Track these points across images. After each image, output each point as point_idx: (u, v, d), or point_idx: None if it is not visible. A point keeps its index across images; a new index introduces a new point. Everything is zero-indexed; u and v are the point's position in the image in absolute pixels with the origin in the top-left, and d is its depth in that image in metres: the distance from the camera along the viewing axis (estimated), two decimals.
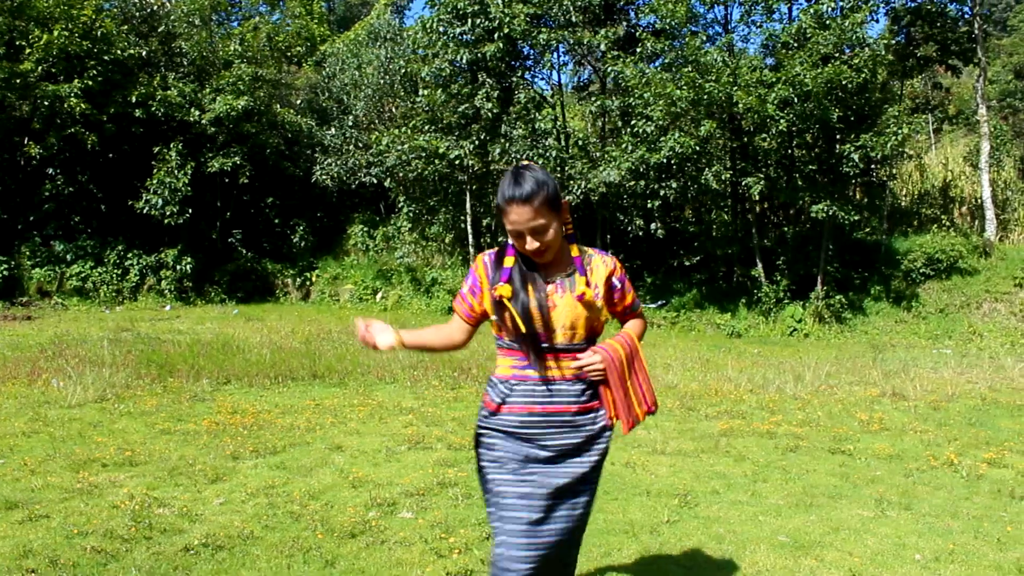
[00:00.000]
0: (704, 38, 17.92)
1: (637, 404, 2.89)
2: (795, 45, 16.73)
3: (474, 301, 2.95)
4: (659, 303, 19.20)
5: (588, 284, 2.84)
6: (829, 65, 15.93)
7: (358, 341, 2.90)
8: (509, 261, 2.87)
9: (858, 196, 19.48)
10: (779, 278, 18.00)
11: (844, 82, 15.81)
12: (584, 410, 2.85)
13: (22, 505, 5.26)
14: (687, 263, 20.05)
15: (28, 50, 20.62)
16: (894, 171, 20.10)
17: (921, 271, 18.07)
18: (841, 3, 16.49)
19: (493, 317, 2.90)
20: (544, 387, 2.83)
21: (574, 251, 2.90)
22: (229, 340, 14.08)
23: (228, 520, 5.00)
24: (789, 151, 18.27)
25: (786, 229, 19.98)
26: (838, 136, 17.36)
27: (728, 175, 17.81)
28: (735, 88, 16.46)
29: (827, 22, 16.34)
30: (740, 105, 16.30)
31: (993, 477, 6.07)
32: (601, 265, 2.92)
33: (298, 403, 8.97)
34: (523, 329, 2.79)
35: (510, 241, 2.86)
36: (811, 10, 16.59)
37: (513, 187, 2.73)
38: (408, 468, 6.24)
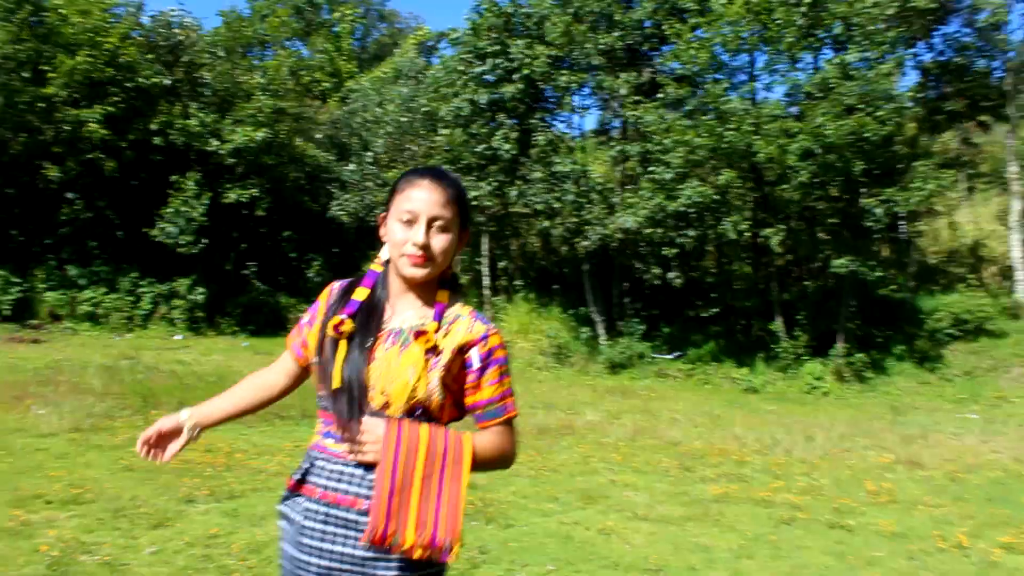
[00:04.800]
0: (727, 86, 17.57)
1: (413, 523, 1.96)
2: (819, 95, 16.34)
3: (310, 334, 2.23)
4: (675, 354, 18.69)
5: (430, 341, 2.05)
6: (853, 117, 15.52)
7: (144, 458, 2.22)
8: (361, 293, 2.17)
9: (884, 252, 18.96)
10: (799, 333, 17.45)
11: (868, 134, 15.38)
12: None
13: None
14: (704, 314, 19.53)
15: (52, 75, 20.70)
16: (921, 227, 19.56)
17: (947, 331, 17.44)
18: (868, 54, 16.09)
19: (313, 360, 2.18)
20: (336, 467, 2.07)
21: (441, 296, 2.15)
22: (227, 373, 13.75)
23: (152, 572, 4.58)
24: (811, 203, 17.79)
25: (807, 283, 19.43)
26: (862, 189, 16.90)
27: (747, 226, 17.36)
28: (756, 137, 16.08)
29: (852, 73, 15.95)
30: (760, 154, 15.92)
31: (1008, 565, 5.51)
32: (463, 330, 2.09)
33: (278, 443, 8.59)
34: (337, 381, 2.06)
35: (374, 266, 2.22)
36: (837, 60, 16.22)
37: (430, 169, 2.19)
38: None
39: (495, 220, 21.78)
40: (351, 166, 24.16)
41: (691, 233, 17.56)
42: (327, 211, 23.91)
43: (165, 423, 2.24)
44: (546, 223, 19.85)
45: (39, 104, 20.61)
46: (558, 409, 12.43)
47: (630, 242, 18.91)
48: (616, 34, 18.89)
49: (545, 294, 21.51)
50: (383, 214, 2.18)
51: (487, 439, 2.10)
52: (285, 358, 2.33)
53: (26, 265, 21.38)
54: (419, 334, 2.04)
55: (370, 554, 2.00)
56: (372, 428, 2.01)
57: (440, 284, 2.16)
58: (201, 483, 6.62)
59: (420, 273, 2.08)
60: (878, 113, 15.69)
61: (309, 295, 23.84)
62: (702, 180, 17.18)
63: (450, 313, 2.12)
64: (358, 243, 25.63)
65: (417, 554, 1.96)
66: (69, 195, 21.84)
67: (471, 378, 2.09)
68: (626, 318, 19.73)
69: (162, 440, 2.25)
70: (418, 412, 2.05)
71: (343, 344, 2.09)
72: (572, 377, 17.88)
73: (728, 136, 16.04)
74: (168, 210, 21.42)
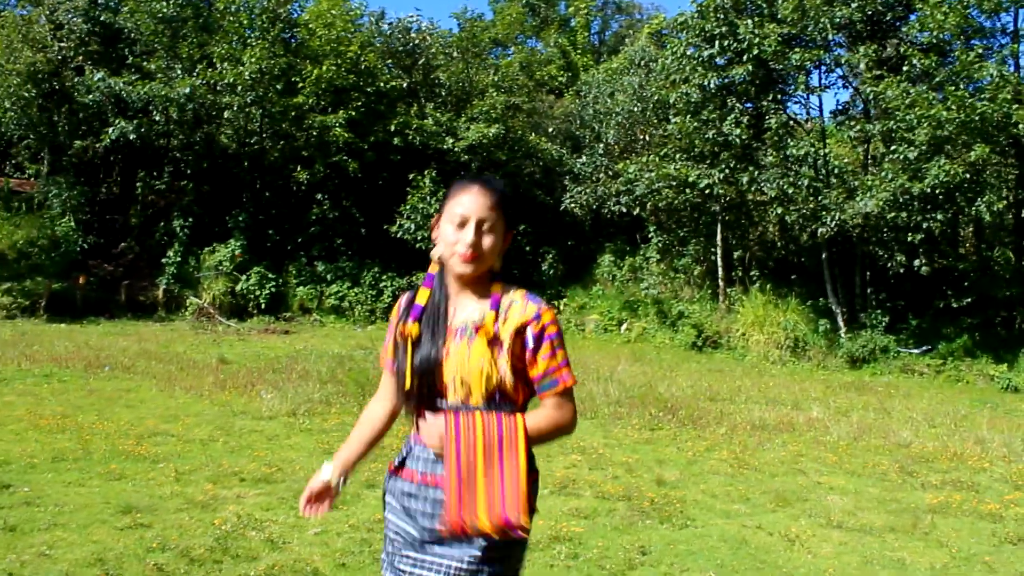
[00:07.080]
0: (980, 51, 15.79)
1: (484, 507, 2.16)
2: None
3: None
4: (923, 348, 17.12)
5: (489, 332, 2.30)
6: None
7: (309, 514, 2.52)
8: (423, 295, 2.42)
9: None
10: None
11: None
12: None
13: (135, 511, 5.25)
14: (957, 305, 17.71)
15: (301, 84, 22.22)
16: None
17: None
18: None
19: (392, 366, 2.46)
20: (431, 454, 2.31)
21: (495, 288, 2.39)
22: None
23: (308, 552, 4.67)
24: None
25: None
26: None
27: (1003, 205, 15.53)
28: (1016, 106, 14.33)
29: None
30: (1021, 126, 14.18)
31: None
32: (518, 312, 2.32)
33: None
34: (407, 383, 2.31)
35: (431, 269, 2.45)
36: None
37: (478, 176, 2.49)
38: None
39: (730, 209, 20.94)
40: (583, 158, 24.17)
41: (939, 216, 15.97)
42: (560, 204, 24.04)
43: (314, 485, 2.48)
44: (779, 209, 18.80)
45: (291, 113, 22.18)
46: (782, 404, 11.72)
47: (872, 227, 17.52)
48: (855, 5, 17.55)
49: (783, 284, 20.41)
50: (436, 218, 2.44)
51: (542, 414, 2.30)
52: (385, 380, 2.53)
53: (280, 262, 23.09)
54: (478, 328, 2.28)
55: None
56: (432, 425, 2.25)
57: (492, 279, 2.40)
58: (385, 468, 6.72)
59: (469, 269, 2.33)
60: None
61: (544, 287, 24.06)
62: (950, 158, 15.55)
63: (505, 300, 2.35)
64: (594, 235, 25.60)
65: (492, 534, 2.17)
66: (318, 196, 23.35)
67: (528, 356, 2.30)
68: (869, 309, 18.34)
69: (320, 497, 2.49)
70: (497, 396, 2.27)
71: (409, 347, 2.32)
72: (807, 372, 16.84)
73: (980, 107, 14.41)
74: (405, 207, 22.38)
